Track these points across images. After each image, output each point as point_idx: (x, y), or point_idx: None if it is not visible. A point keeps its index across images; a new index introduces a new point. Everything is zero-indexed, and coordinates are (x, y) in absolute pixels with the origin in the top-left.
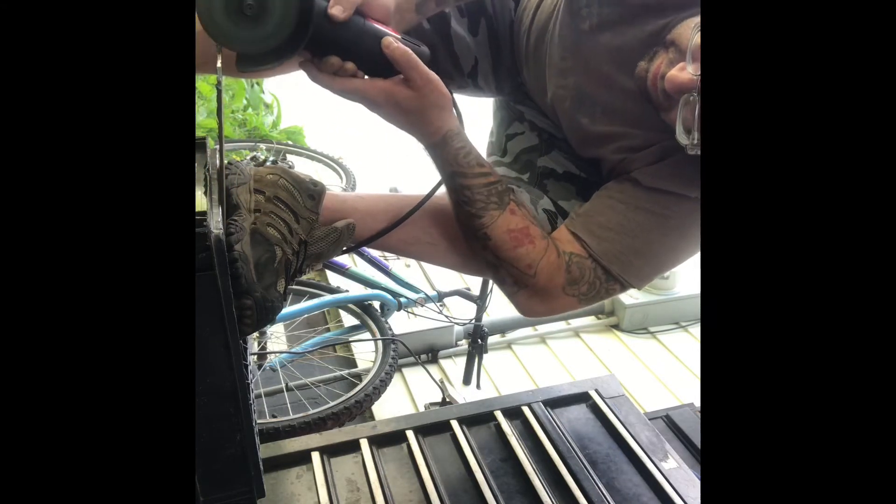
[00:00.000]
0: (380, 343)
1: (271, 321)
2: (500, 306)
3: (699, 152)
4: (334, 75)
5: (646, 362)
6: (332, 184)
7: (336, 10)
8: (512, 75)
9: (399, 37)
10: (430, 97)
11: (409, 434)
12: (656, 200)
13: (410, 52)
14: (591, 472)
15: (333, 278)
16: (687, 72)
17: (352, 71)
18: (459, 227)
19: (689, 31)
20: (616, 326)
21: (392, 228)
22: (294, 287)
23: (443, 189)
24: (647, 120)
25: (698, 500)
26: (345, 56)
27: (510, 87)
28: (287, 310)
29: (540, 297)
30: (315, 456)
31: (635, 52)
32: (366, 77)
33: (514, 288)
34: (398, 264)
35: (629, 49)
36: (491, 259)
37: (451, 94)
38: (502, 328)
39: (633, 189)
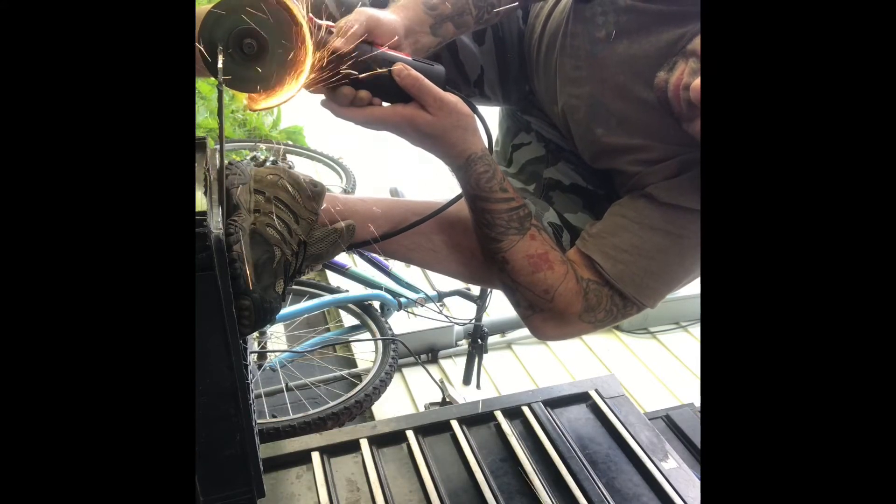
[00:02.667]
0: (380, 343)
1: (270, 322)
2: (500, 306)
3: None
4: (352, 106)
5: (646, 362)
6: (332, 184)
7: (338, 44)
8: (519, 85)
9: (410, 59)
10: (449, 119)
11: (409, 434)
12: (672, 219)
13: (420, 77)
14: (591, 472)
15: (333, 278)
16: None
17: (367, 100)
18: (480, 247)
19: None
20: (616, 326)
21: (397, 234)
22: (294, 287)
23: (448, 196)
24: (665, 131)
25: (698, 500)
26: (357, 86)
27: (517, 97)
28: (287, 310)
29: (555, 321)
30: (315, 456)
31: (652, 61)
32: (384, 104)
33: (530, 311)
34: (398, 264)
35: (646, 58)
36: (508, 282)
37: (476, 109)
38: (502, 328)
39: (648, 206)
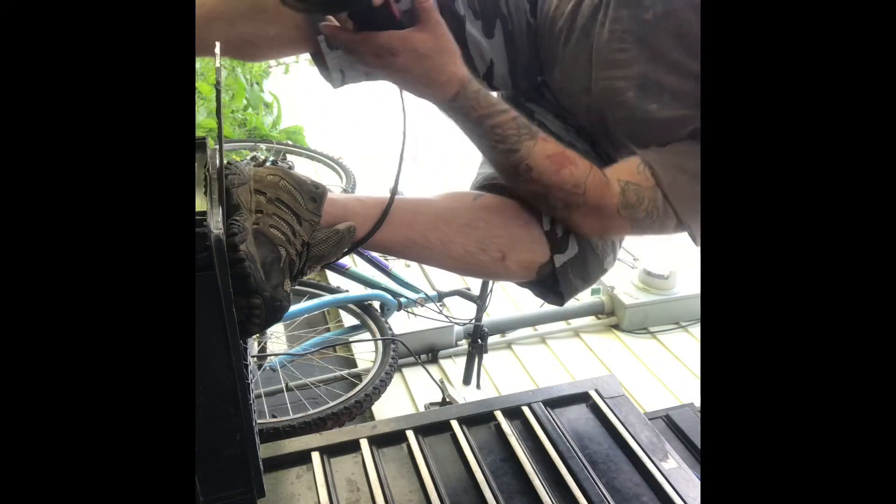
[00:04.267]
0: (380, 343)
1: (278, 321)
2: (501, 306)
3: None
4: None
5: (646, 362)
6: (332, 184)
7: None
8: (530, 75)
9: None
10: (442, 41)
11: (409, 434)
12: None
13: None
14: (591, 472)
15: (333, 278)
16: None
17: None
18: (499, 172)
19: None
20: (616, 326)
21: (376, 229)
22: (294, 287)
23: (441, 194)
24: None
25: (698, 500)
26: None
27: (527, 87)
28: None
29: (594, 214)
30: (315, 456)
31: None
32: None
33: (567, 211)
34: (398, 264)
35: (696, 34)
36: (539, 189)
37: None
38: (502, 328)
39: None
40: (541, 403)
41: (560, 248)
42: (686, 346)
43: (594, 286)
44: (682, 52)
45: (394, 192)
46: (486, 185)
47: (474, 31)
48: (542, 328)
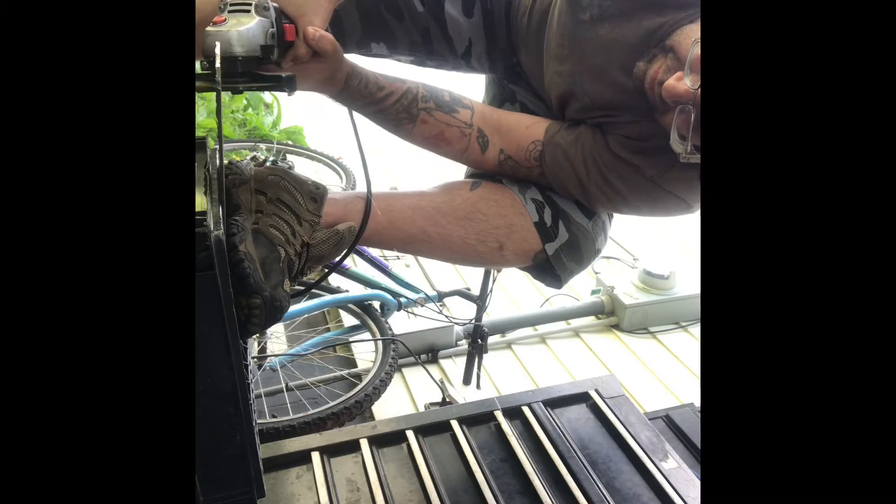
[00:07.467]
0: (380, 343)
1: (278, 321)
2: (501, 306)
3: (691, 160)
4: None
5: (646, 362)
6: (332, 184)
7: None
8: (506, 56)
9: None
10: (334, 62)
11: (409, 434)
12: (614, 166)
13: (328, 35)
14: (591, 472)
15: (333, 278)
16: (684, 83)
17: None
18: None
19: (689, 41)
20: (616, 326)
21: (362, 232)
22: (294, 287)
23: (436, 190)
24: (636, 109)
25: (698, 500)
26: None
27: (504, 68)
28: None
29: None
30: (315, 456)
31: (631, 47)
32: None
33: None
34: (398, 264)
35: (625, 43)
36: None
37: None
38: (502, 328)
39: (604, 150)
40: (541, 403)
41: (550, 236)
42: (686, 346)
43: (595, 287)
44: (608, 59)
45: (369, 194)
46: (480, 173)
47: (453, 10)
48: (542, 328)
